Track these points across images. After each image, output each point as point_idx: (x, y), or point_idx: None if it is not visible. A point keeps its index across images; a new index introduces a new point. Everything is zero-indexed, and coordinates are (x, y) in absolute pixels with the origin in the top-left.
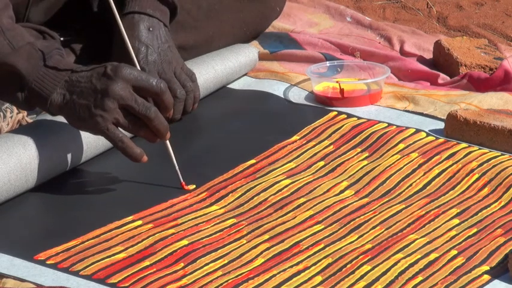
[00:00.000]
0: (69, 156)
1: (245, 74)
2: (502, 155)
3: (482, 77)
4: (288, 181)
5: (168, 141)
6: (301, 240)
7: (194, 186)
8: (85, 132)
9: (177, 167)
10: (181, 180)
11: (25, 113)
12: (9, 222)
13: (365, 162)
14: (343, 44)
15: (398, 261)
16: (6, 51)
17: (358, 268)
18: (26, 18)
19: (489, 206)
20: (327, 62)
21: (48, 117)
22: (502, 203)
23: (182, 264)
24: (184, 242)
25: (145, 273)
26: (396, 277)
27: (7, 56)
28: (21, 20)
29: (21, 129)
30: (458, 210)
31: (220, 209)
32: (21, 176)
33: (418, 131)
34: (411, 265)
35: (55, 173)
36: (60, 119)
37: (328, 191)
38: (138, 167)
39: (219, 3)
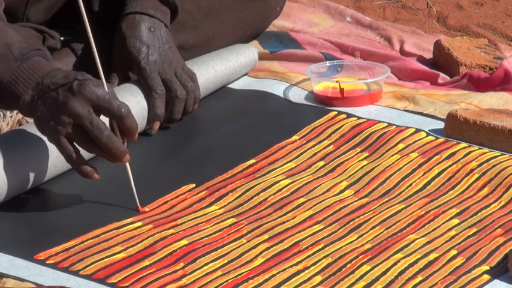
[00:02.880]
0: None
1: (245, 74)
2: (502, 155)
3: (482, 77)
4: (287, 181)
5: (127, 164)
6: (300, 240)
7: (193, 185)
8: None
9: (134, 190)
10: (138, 204)
11: None
12: (9, 222)
13: (365, 162)
14: (343, 43)
15: (398, 261)
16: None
17: (358, 268)
18: (25, 18)
19: (489, 206)
20: (327, 62)
21: None
22: (502, 203)
23: (182, 264)
24: (184, 241)
25: (145, 273)
26: (396, 277)
27: None
28: (20, 20)
29: (21, 129)
30: (458, 210)
31: (219, 208)
32: (21, 176)
33: (418, 130)
34: (411, 265)
35: (55, 173)
36: None
37: (327, 190)
38: (138, 166)
39: (219, 3)
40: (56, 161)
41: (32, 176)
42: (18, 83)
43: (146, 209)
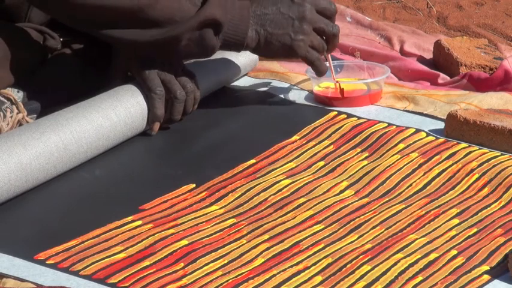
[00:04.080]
0: (69, 156)
1: (245, 74)
2: (502, 155)
3: (482, 77)
4: (288, 181)
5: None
6: (301, 240)
7: (193, 185)
8: (85, 132)
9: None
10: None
11: (25, 112)
12: (9, 222)
13: (365, 162)
14: (343, 44)
15: (398, 261)
16: (192, 11)
17: (358, 268)
18: (27, 18)
19: (489, 206)
20: (327, 62)
21: (49, 117)
22: (502, 203)
23: (182, 264)
24: (184, 242)
25: (145, 273)
26: (396, 277)
27: (202, 12)
28: (22, 20)
29: (21, 129)
30: (458, 210)
31: (220, 208)
32: (21, 176)
33: (418, 131)
34: (411, 265)
35: (55, 173)
36: (61, 118)
37: (328, 191)
38: (138, 167)
39: None
40: (56, 161)
41: (32, 176)
42: (236, 26)
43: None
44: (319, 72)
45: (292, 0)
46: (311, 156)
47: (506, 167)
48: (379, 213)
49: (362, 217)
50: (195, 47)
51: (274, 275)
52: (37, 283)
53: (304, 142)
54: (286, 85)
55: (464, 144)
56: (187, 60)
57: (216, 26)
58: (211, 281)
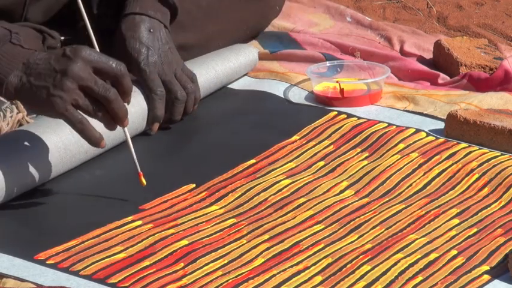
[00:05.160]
0: (69, 156)
1: (245, 74)
2: (502, 155)
3: (482, 77)
4: (288, 181)
5: (126, 129)
6: (301, 240)
7: (193, 185)
8: None
9: (134, 157)
10: (139, 170)
11: (25, 112)
12: (9, 222)
13: (365, 162)
14: (343, 44)
15: (398, 261)
16: None
17: (358, 268)
18: (23, 19)
19: (489, 206)
20: (327, 62)
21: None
22: (502, 203)
23: (182, 264)
24: (184, 242)
25: (145, 273)
26: (396, 277)
27: None
28: (18, 20)
29: (21, 129)
30: (458, 210)
31: (220, 208)
32: (21, 176)
33: (418, 131)
34: (411, 265)
35: (56, 173)
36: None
37: (328, 191)
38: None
39: (218, 3)
40: (56, 161)
41: (32, 176)
42: (1, 65)
43: (145, 181)
44: (87, 139)
45: (64, 53)
46: (311, 156)
47: (506, 167)
48: (379, 213)
49: (362, 217)
50: None
51: (274, 275)
52: (37, 283)
53: (304, 142)
54: (286, 85)
55: (464, 144)
56: None
57: None
58: (211, 281)
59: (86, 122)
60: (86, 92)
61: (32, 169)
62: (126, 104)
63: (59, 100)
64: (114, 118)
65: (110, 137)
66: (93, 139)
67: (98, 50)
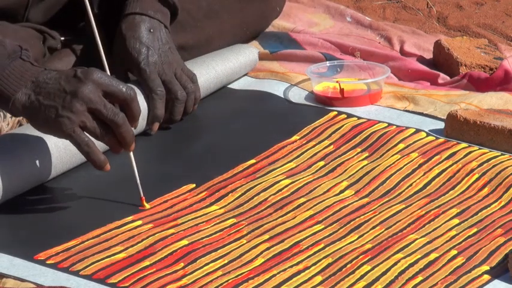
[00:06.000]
0: (69, 156)
1: (245, 74)
2: (502, 155)
3: (482, 77)
4: (288, 181)
5: (132, 153)
6: (301, 240)
7: (193, 185)
8: None
9: (138, 181)
10: (141, 195)
11: None
12: (9, 222)
13: (365, 162)
14: (343, 44)
15: (398, 261)
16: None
17: (358, 268)
18: (25, 19)
19: (489, 206)
20: (327, 62)
21: None
22: (502, 203)
23: (182, 264)
24: (184, 242)
25: (145, 273)
26: (396, 277)
27: None
28: (20, 21)
29: (21, 129)
30: (458, 210)
31: (220, 208)
32: (21, 176)
33: (418, 131)
34: (411, 265)
35: (55, 172)
36: None
37: (328, 191)
38: (139, 167)
39: (219, 3)
40: (56, 161)
41: (32, 176)
42: (10, 80)
43: (147, 205)
44: (92, 161)
45: (75, 74)
46: (311, 156)
47: (506, 167)
48: (379, 213)
49: (362, 217)
50: None
51: (274, 275)
52: (37, 283)
53: (304, 142)
54: (286, 85)
55: (464, 144)
56: None
57: None
58: (211, 281)
59: (92, 144)
60: (95, 115)
61: (32, 169)
62: (134, 128)
63: (67, 121)
64: (121, 142)
65: None
66: (98, 162)
67: (108, 73)
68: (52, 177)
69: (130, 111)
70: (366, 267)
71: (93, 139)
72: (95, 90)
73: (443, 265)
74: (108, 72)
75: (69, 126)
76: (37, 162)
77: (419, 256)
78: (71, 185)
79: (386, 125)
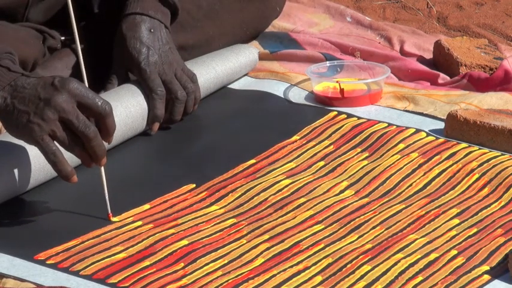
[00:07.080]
0: (69, 156)
1: (245, 74)
2: (502, 155)
3: (482, 77)
4: (288, 181)
5: (102, 168)
6: (301, 240)
7: (193, 185)
8: None
9: (106, 197)
10: (109, 211)
11: None
12: (9, 222)
13: (365, 162)
14: (343, 44)
15: (399, 261)
16: None
17: (358, 268)
18: (25, 19)
19: (489, 206)
20: (327, 62)
21: None
22: (502, 203)
23: (182, 264)
24: (184, 242)
25: (145, 273)
26: (396, 277)
27: None
28: (20, 20)
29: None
30: (459, 210)
31: (220, 208)
32: (21, 175)
33: (418, 131)
34: (411, 265)
35: (55, 173)
36: None
37: (328, 191)
38: (139, 167)
39: (219, 3)
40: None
41: (32, 176)
42: None
43: (116, 219)
44: (58, 172)
45: (53, 82)
46: (311, 156)
47: (507, 167)
48: (379, 213)
49: (362, 217)
50: None
51: (274, 275)
52: (37, 283)
53: (304, 142)
54: (286, 85)
55: (464, 144)
56: None
57: None
58: (211, 281)
59: (59, 154)
60: (66, 125)
61: (31, 169)
62: (108, 143)
63: (37, 128)
64: (91, 156)
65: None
66: (64, 173)
67: (87, 84)
68: (52, 177)
69: (104, 126)
70: (366, 267)
71: (64, 151)
72: (69, 100)
73: (444, 265)
74: (87, 84)
75: (39, 134)
76: (37, 162)
77: (419, 256)
78: (71, 185)
79: (387, 125)
